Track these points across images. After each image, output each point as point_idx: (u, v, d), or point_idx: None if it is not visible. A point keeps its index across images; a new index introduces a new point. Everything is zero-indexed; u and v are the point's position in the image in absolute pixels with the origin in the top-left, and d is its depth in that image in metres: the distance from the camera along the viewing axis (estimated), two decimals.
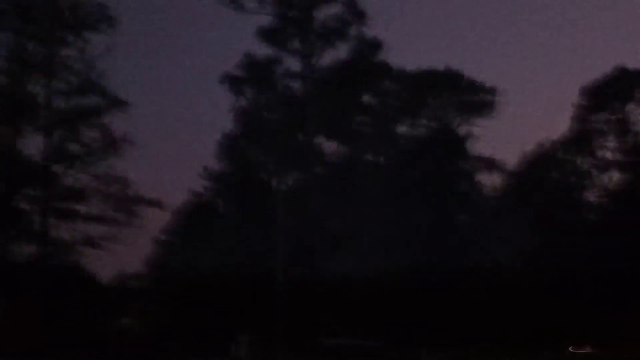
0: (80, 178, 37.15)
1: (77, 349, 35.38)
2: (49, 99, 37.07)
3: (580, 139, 43.83)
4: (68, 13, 37.26)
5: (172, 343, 37.48)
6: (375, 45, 42.45)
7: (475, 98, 44.38)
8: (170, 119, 68.19)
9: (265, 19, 41.18)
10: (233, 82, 41.47)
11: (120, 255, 41.06)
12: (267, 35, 40.49)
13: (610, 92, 43.68)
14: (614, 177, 43.70)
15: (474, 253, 39.90)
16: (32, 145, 37.16)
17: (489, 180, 45.66)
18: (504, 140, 55.53)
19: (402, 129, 45.22)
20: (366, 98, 43.58)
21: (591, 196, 44.29)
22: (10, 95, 36.66)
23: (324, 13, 42.15)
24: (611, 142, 43.81)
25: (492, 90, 44.47)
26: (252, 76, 41.74)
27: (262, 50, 41.40)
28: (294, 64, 41.91)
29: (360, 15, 41.93)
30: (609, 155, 43.82)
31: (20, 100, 36.79)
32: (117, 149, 36.82)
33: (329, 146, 43.48)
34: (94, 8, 37.10)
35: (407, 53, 57.65)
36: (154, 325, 43.54)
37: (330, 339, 34.44)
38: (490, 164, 45.09)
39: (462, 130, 44.99)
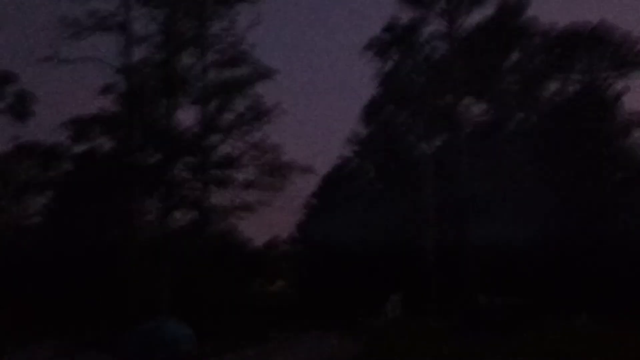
0: (234, 147, 38.55)
1: (234, 313, 36.94)
2: (203, 72, 38.24)
3: None
4: None
5: (324, 305, 38.39)
6: (521, 2, 41.38)
7: (630, 52, 42.39)
8: (318, 85, 69.12)
9: None
10: (378, 47, 41.56)
11: (272, 221, 42.50)
12: None
13: None
14: None
15: (625, 216, 38.57)
16: (189, 116, 38.78)
17: None
18: None
19: (551, 87, 43.96)
20: (513, 57, 42.58)
21: None
22: (166, 69, 38.14)
23: None
24: None
25: None
26: (397, 40, 41.63)
27: (407, 13, 41.23)
28: (439, 25, 41.47)
29: None
30: None
31: (176, 73, 38.25)
32: (268, 117, 37.97)
33: (476, 108, 42.92)
34: None
35: (556, 8, 55.29)
36: (305, 288, 44.78)
37: (484, 299, 34.20)
38: None
39: (616, 87, 43.21)
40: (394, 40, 41.97)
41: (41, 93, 40.32)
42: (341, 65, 71.21)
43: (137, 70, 37.79)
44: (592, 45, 42.80)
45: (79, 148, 41.22)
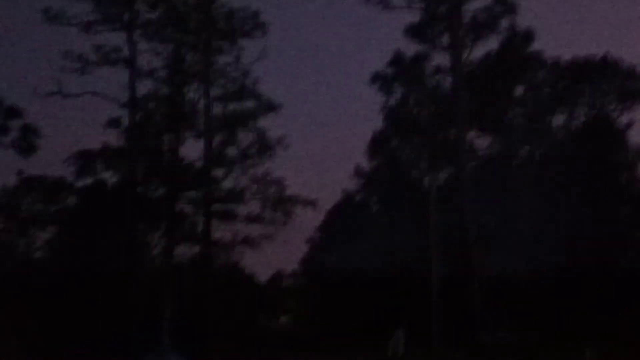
0: (238, 181, 38.55)
1: (238, 347, 36.63)
2: (208, 106, 38.35)
3: None
4: (223, 22, 38.58)
5: (328, 340, 38.00)
6: (526, 35, 41.29)
7: (636, 85, 42.34)
8: (322, 119, 69.16)
9: (413, 16, 40.89)
10: (383, 81, 41.56)
11: (276, 255, 42.25)
12: (416, 31, 40.06)
13: None
14: None
15: (634, 248, 38.23)
16: (193, 150, 38.82)
17: None
18: None
19: (557, 120, 43.89)
20: (519, 90, 42.56)
21: None
22: (171, 103, 38.30)
23: (473, 6, 41.38)
24: None
25: None
26: (402, 74, 41.61)
27: (411, 47, 41.11)
28: (443, 59, 41.36)
29: (510, 6, 40.83)
30: None
31: (181, 107, 38.41)
32: (272, 150, 38.05)
33: (482, 141, 42.80)
34: (247, 15, 38.32)
35: (560, 41, 55.17)
36: (310, 323, 44.42)
37: (490, 333, 33.79)
38: None
39: (622, 119, 43.14)
40: (398, 74, 41.96)
41: (45, 127, 40.20)
42: (346, 99, 71.56)
43: (141, 104, 37.99)
44: (597, 77, 42.81)
45: (84, 182, 41.26)
